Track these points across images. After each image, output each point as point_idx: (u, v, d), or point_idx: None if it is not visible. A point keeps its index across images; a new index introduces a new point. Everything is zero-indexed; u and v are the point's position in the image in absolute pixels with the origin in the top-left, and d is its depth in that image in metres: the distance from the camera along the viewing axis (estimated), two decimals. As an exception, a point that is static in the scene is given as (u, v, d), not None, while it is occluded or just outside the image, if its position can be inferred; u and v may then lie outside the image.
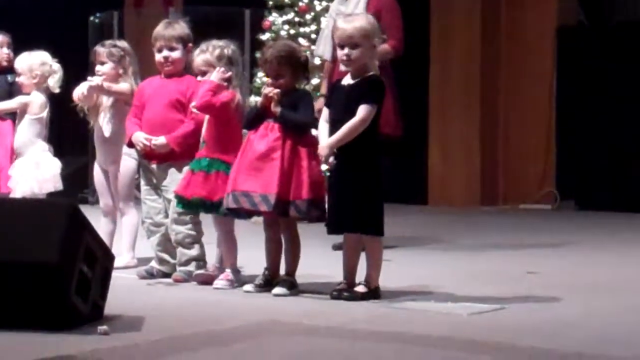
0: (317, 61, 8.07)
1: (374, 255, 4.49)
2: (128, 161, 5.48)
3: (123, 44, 5.62)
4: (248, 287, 4.66)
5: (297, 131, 4.54)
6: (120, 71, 5.48)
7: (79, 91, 5.42)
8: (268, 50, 4.67)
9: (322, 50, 6.43)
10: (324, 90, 6.31)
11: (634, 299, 4.58)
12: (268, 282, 4.65)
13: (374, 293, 4.44)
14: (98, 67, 5.54)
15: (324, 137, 4.45)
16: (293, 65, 4.60)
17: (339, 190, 4.45)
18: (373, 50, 4.49)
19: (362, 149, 4.40)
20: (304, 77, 4.71)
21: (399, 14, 6.19)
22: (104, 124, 5.53)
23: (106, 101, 5.53)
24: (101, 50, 5.54)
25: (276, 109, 4.53)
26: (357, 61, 4.43)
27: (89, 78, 5.45)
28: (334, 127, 4.45)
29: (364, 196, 4.38)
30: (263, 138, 4.56)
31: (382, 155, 4.52)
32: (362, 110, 4.37)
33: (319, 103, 5.46)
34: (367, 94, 4.40)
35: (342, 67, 4.63)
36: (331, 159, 4.39)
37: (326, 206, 4.55)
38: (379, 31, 4.56)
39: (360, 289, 4.44)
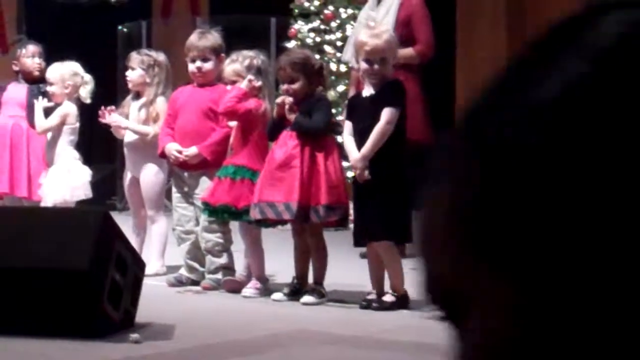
0: (343, 68, 8.09)
1: (390, 263, 4.48)
2: (159, 170, 5.55)
3: (159, 55, 5.64)
4: (277, 295, 4.69)
5: (312, 136, 4.59)
6: (148, 80, 5.53)
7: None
8: (283, 58, 4.77)
9: (349, 57, 6.46)
10: None
11: None
12: (297, 291, 4.68)
13: (402, 301, 4.45)
14: (128, 73, 5.61)
15: (354, 150, 4.47)
16: (307, 71, 4.65)
17: (364, 199, 4.47)
18: (394, 60, 4.54)
19: (386, 156, 4.42)
20: (318, 83, 4.73)
21: (428, 20, 6.22)
22: (130, 135, 5.60)
23: (133, 115, 5.59)
24: (134, 56, 5.61)
25: (290, 117, 4.58)
26: (384, 73, 4.47)
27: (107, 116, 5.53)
28: (360, 137, 4.47)
29: (388, 203, 4.38)
30: (282, 147, 4.63)
31: (412, 163, 4.50)
32: (386, 114, 4.41)
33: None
34: (389, 98, 4.45)
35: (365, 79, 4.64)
36: (366, 172, 4.40)
37: (350, 213, 4.57)
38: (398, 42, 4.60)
39: (388, 298, 4.45)
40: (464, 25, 10.38)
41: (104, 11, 11.07)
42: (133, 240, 5.39)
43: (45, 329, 3.70)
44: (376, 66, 4.45)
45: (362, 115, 4.50)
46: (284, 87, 4.71)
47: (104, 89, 7.46)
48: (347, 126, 4.57)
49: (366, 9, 6.36)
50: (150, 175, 5.55)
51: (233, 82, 4.92)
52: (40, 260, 3.74)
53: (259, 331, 3.95)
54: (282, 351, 3.64)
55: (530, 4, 10.33)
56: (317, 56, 8.47)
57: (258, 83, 4.84)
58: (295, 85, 4.65)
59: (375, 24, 4.68)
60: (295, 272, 4.74)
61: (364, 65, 4.49)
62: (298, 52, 4.87)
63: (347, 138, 4.54)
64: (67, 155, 5.84)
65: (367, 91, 4.56)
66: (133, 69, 5.55)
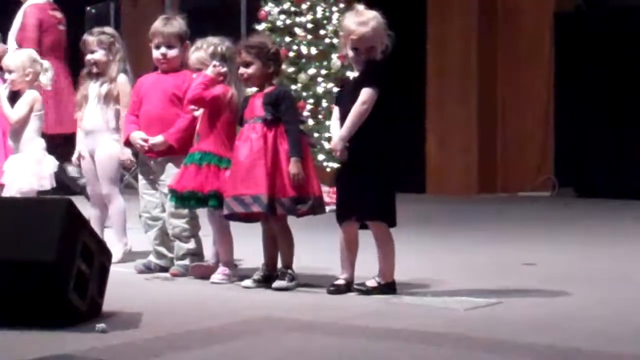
0: (314, 50, 8.03)
1: (382, 246, 4.43)
2: (113, 146, 5.48)
3: (111, 30, 5.67)
4: (247, 282, 4.67)
5: (276, 128, 4.57)
6: (110, 57, 5.48)
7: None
8: (240, 43, 4.79)
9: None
10: None
11: (632, 291, 4.56)
12: (267, 277, 4.66)
13: (384, 288, 4.39)
14: (89, 56, 5.55)
15: (335, 133, 4.45)
16: (261, 55, 4.65)
17: (345, 178, 4.45)
18: (382, 46, 4.43)
19: (364, 136, 4.36)
20: (275, 68, 4.69)
21: (28, 27, 6.40)
22: (89, 112, 5.54)
23: (93, 94, 5.53)
24: (90, 39, 5.55)
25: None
26: (371, 60, 4.41)
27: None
28: (344, 121, 4.42)
29: (367, 182, 4.34)
30: (246, 142, 4.61)
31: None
32: (362, 95, 4.36)
33: None
34: (366, 78, 4.40)
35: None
36: (345, 154, 4.37)
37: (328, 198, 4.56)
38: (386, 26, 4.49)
39: (371, 283, 4.43)
40: (435, 18, 10.35)
41: (72, -8, 10.93)
42: (93, 222, 5.31)
43: (10, 321, 3.66)
44: (363, 56, 4.41)
45: (346, 99, 4.48)
46: (240, 71, 4.69)
47: (71, 70, 7.34)
48: (335, 111, 4.56)
49: None
50: (105, 151, 5.50)
51: (198, 70, 4.90)
52: (3, 250, 3.69)
53: (228, 319, 3.93)
54: (251, 338, 3.62)
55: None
56: (288, 39, 8.44)
57: (223, 69, 4.82)
58: (250, 69, 4.65)
59: (361, 10, 4.52)
60: (264, 259, 4.72)
61: (350, 54, 4.45)
62: (255, 37, 4.93)
63: (333, 123, 4.53)
64: (35, 145, 5.77)
65: (355, 73, 4.55)
66: (93, 51, 5.50)
